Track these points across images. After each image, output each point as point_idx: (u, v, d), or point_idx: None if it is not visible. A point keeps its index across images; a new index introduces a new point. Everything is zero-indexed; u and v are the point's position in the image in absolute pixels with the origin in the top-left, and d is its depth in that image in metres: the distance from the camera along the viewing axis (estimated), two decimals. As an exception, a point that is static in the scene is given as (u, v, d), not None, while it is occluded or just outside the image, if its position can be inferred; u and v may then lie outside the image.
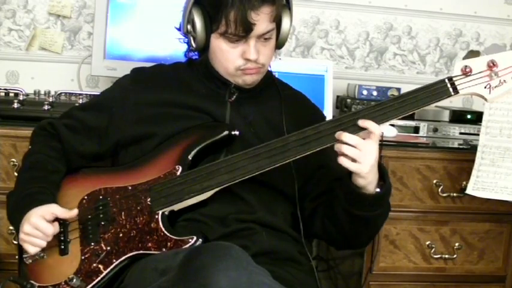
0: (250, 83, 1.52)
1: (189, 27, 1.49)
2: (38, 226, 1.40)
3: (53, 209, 1.43)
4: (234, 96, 1.54)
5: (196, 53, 1.56)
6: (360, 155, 1.33)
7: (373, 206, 1.40)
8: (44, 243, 1.42)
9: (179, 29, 1.56)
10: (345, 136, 1.34)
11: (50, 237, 1.42)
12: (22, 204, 1.45)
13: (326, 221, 1.50)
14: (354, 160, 1.34)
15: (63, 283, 1.42)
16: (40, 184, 1.49)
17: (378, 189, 1.39)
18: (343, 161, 1.34)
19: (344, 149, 1.34)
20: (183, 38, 1.56)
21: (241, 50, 1.46)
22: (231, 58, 1.47)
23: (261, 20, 1.43)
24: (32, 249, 1.42)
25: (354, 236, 1.50)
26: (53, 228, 1.42)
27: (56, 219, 1.44)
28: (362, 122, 1.35)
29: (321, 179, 1.53)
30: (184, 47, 1.58)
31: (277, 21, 1.49)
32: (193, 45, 1.49)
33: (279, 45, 1.54)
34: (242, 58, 1.46)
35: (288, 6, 1.53)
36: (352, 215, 1.42)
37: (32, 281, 1.45)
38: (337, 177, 1.48)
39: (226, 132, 1.46)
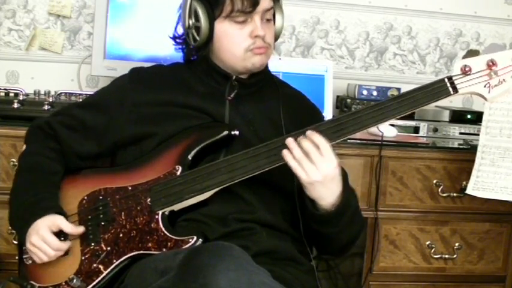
0: (259, 66, 1.52)
1: (190, 22, 1.49)
2: (46, 239, 1.41)
3: (59, 222, 1.43)
4: (234, 93, 1.53)
5: (195, 52, 1.56)
6: (306, 163, 1.33)
7: (325, 223, 1.41)
8: (48, 258, 1.42)
9: (173, 38, 1.59)
10: (302, 141, 1.35)
11: (55, 251, 1.42)
12: (27, 212, 1.45)
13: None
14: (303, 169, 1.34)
15: (63, 283, 1.42)
16: (42, 189, 1.48)
17: (333, 209, 1.39)
18: (288, 158, 1.35)
19: (294, 150, 1.34)
20: (180, 45, 1.58)
21: (247, 30, 1.47)
22: (238, 40, 1.47)
23: None
24: (37, 260, 1.43)
25: (323, 245, 1.54)
26: (59, 243, 1.42)
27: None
28: (308, 134, 1.35)
29: None
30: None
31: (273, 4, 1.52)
32: (197, 38, 1.49)
33: (276, 33, 1.57)
34: (250, 38, 1.47)
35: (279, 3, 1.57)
36: (312, 228, 1.45)
37: (32, 282, 1.45)
38: None
39: (226, 132, 1.46)
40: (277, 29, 1.56)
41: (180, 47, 1.59)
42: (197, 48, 1.53)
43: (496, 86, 1.36)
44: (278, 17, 1.56)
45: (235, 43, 1.48)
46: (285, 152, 1.35)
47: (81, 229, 1.45)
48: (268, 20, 1.51)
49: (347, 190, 1.42)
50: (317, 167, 1.33)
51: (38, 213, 1.43)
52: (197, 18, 1.47)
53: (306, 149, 1.34)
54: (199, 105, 1.52)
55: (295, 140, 1.36)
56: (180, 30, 1.59)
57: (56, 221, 1.42)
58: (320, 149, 1.34)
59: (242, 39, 1.47)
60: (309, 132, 1.36)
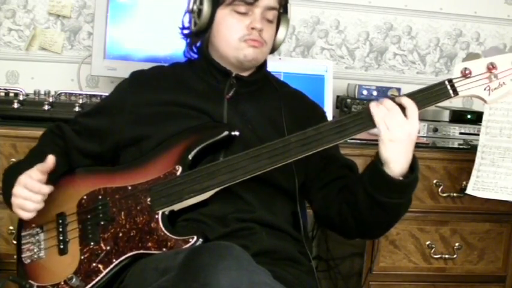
0: (250, 59, 1.52)
1: (195, 6, 1.52)
2: (27, 185, 1.40)
3: (36, 167, 1.41)
4: (232, 92, 1.54)
5: (195, 38, 1.57)
6: (392, 120, 1.32)
7: (394, 192, 1.37)
8: (34, 206, 1.40)
9: (181, 28, 1.59)
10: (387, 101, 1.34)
11: (39, 195, 1.40)
12: (15, 175, 1.44)
13: (344, 206, 1.46)
14: (388, 128, 1.33)
15: (62, 283, 1.42)
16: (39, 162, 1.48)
17: (401, 178, 1.36)
18: (377, 117, 1.34)
19: (380, 107, 1.34)
20: (185, 36, 1.59)
21: (246, 22, 1.49)
22: (236, 28, 1.50)
23: None
24: (24, 214, 1.42)
25: (372, 224, 1.47)
26: (40, 185, 1.40)
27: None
28: (398, 99, 1.35)
29: (327, 167, 1.53)
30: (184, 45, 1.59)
31: (278, 15, 1.55)
32: (198, 21, 1.51)
33: (274, 46, 1.59)
34: (247, 29, 1.49)
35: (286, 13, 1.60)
36: (374, 200, 1.38)
37: (31, 281, 1.45)
38: (345, 164, 1.51)
39: (226, 133, 1.46)
40: (278, 40, 1.59)
41: (185, 36, 1.60)
42: (196, 33, 1.55)
43: (496, 89, 1.35)
44: (282, 28, 1.59)
45: (231, 31, 1.50)
46: (377, 115, 1.34)
47: (51, 159, 1.42)
48: (269, 21, 1.53)
49: (417, 163, 1.40)
50: (401, 124, 1.32)
51: (23, 170, 1.43)
52: (201, 2, 1.50)
53: (390, 108, 1.33)
54: (197, 105, 1.52)
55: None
56: (187, 20, 1.59)
57: (34, 167, 1.42)
58: (406, 110, 1.34)
59: (239, 29, 1.49)
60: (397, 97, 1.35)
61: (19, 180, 1.41)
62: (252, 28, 1.49)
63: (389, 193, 1.37)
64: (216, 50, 1.54)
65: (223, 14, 1.50)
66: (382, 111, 1.34)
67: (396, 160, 1.34)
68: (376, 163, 1.37)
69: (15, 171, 1.47)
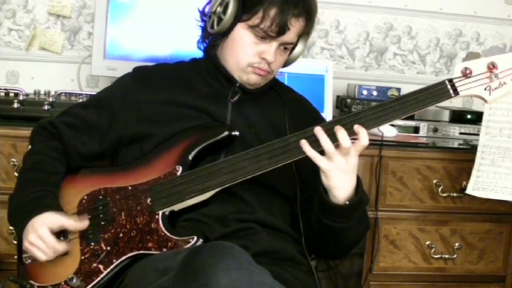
0: (253, 83, 1.52)
1: (218, 9, 1.49)
2: (44, 238, 1.39)
3: (61, 221, 1.41)
4: (237, 97, 1.54)
5: (209, 37, 1.55)
6: (335, 154, 1.33)
7: (338, 217, 1.40)
8: (46, 257, 1.40)
9: (202, 11, 1.57)
10: (339, 130, 1.33)
11: (53, 251, 1.40)
12: (26, 209, 1.44)
13: (306, 227, 1.50)
14: (328, 157, 1.33)
15: (62, 283, 1.42)
16: (42, 187, 1.48)
17: (347, 202, 1.38)
18: (309, 150, 1.34)
19: (323, 139, 1.33)
20: (203, 22, 1.56)
21: (260, 49, 1.48)
22: (248, 52, 1.48)
23: (293, 29, 1.47)
24: (37, 257, 1.42)
25: (325, 246, 1.51)
26: (58, 244, 1.40)
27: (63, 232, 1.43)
28: (357, 127, 1.34)
29: (310, 184, 1.52)
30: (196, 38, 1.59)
31: (298, 39, 1.54)
32: (215, 27, 1.49)
33: (287, 62, 1.59)
34: (258, 57, 1.48)
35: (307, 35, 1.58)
36: (321, 222, 1.42)
37: (32, 281, 1.44)
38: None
39: (226, 133, 1.46)
40: (293, 56, 1.59)
41: (202, 25, 1.58)
42: (210, 35, 1.54)
43: (497, 89, 1.35)
44: (299, 46, 1.57)
45: (243, 52, 1.49)
46: (303, 142, 1.35)
47: (85, 222, 1.43)
48: (285, 49, 1.52)
49: (361, 187, 1.41)
50: (345, 157, 1.33)
51: (36, 210, 1.42)
52: (224, 11, 1.47)
53: (340, 140, 1.33)
54: (200, 106, 1.52)
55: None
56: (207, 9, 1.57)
57: (57, 220, 1.41)
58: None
59: (251, 54, 1.48)
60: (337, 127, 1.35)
61: (36, 229, 1.39)
62: (263, 58, 1.48)
63: (335, 217, 1.40)
64: (225, 60, 1.53)
65: (241, 32, 1.48)
66: (327, 146, 1.33)
67: (339, 187, 1.36)
68: (320, 190, 1.38)
69: (24, 198, 1.46)
